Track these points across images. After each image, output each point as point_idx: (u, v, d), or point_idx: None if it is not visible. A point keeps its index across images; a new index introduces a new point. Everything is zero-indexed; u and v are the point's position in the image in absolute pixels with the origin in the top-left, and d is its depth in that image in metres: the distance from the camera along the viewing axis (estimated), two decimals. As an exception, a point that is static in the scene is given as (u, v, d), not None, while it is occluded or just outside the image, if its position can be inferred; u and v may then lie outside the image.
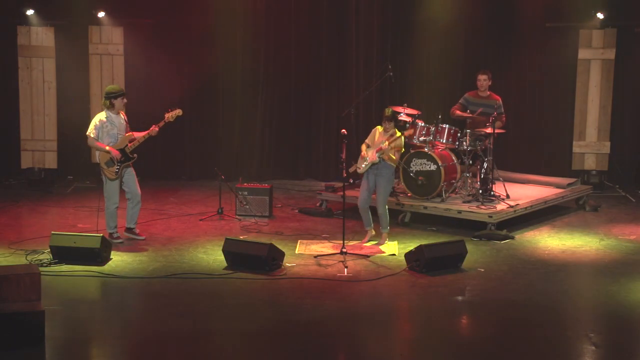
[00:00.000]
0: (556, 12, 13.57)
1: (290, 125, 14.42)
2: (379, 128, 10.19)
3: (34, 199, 12.67)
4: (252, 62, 14.19)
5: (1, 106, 13.94)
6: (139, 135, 10.14)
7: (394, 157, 10.05)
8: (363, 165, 10.07)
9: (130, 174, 10.14)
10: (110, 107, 10.01)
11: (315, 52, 14.18)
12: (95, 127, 9.99)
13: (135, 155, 10.10)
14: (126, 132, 10.10)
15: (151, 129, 10.15)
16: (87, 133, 10.05)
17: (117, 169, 9.98)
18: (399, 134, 10.09)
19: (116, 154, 9.93)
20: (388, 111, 10.10)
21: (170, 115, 10.25)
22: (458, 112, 11.72)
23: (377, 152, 9.97)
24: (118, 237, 10.13)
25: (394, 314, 8.28)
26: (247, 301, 8.31)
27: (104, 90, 10.25)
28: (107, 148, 9.92)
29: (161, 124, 10.20)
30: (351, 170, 10.29)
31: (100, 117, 10.04)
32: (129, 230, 10.25)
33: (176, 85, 14.00)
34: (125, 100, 10.11)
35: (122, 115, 10.13)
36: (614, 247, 10.29)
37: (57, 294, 8.27)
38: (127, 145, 10.03)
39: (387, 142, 9.90)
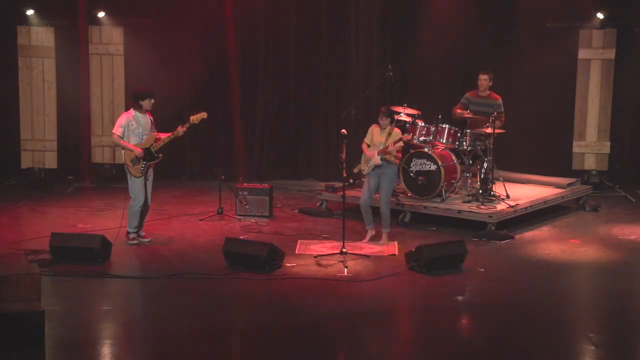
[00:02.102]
0: (556, 12, 13.56)
1: (290, 125, 14.41)
2: (376, 126, 10.22)
3: (34, 199, 12.66)
4: (252, 61, 14.19)
5: (1, 106, 13.93)
6: (164, 135, 10.13)
7: (398, 155, 10.11)
8: (367, 168, 10.11)
9: (149, 176, 10.12)
10: (139, 107, 10.01)
11: (315, 52, 14.17)
12: (121, 126, 9.97)
13: (160, 155, 10.07)
14: (152, 132, 10.10)
15: (177, 129, 10.11)
16: (113, 131, 10.03)
17: (142, 167, 9.96)
18: (395, 130, 10.10)
19: (139, 152, 9.92)
20: (384, 107, 10.16)
21: (195, 118, 10.20)
22: (459, 111, 11.72)
23: (378, 154, 9.99)
24: (133, 239, 10.10)
25: (394, 314, 8.28)
26: (247, 301, 8.31)
27: (134, 91, 10.23)
28: (130, 147, 9.92)
29: (187, 125, 10.15)
30: (355, 171, 10.33)
31: (127, 114, 10.04)
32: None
33: (176, 85, 13.99)
34: (153, 101, 10.06)
35: (149, 115, 10.13)
36: (614, 247, 10.29)
37: (57, 294, 8.27)
38: (152, 144, 10.02)
39: (391, 144, 9.91)
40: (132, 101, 10.09)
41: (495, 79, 11.89)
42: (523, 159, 13.79)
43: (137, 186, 10.00)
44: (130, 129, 9.98)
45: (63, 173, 14.01)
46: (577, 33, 13.53)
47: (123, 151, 10.07)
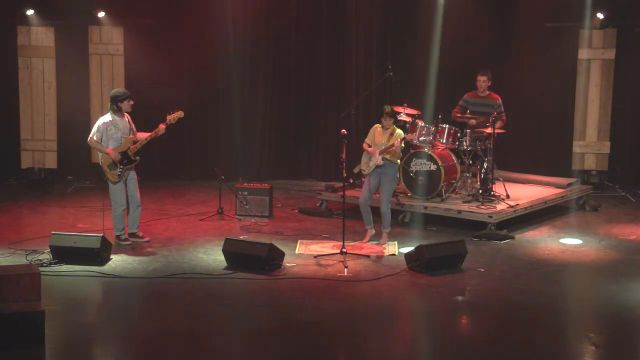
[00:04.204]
0: (556, 12, 13.57)
1: (290, 125, 14.42)
2: (378, 126, 10.23)
3: (34, 199, 12.66)
4: (252, 61, 14.19)
5: (1, 106, 13.93)
6: (142, 137, 10.10)
7: (399, 155, 10.14)
8: (368, 168, 10.10)
9: (131, 178, 10.08)
10: (118, 110, 9.95)
11: (315, 52, 14.18)
12: (98, 130, 9.92)
13: (137, 157, 10.03)
14: (130, 135, 10.05)
15: (159, 127, 10.05)
16: (90, 136, 9.96)
17: (119, 171, 9.93)
18: (398, 130, 10.11)
19: (115, 156, 9.90)
20: (388, 107, 10.15)
21: (171, 117, 10.16)
22: (459, 115, 11.74)
23: (380, 153, 9.99)
24: (126, 240, 10.09)
25: (394, 314, 8.28)
26: (247, 301, 8.31)
27: (110, 93, 10.21)
28: (107, 150, 9.89)
29: (165, 124, 10.14)
30: (355, 171, 10.33)
31: (105, 119, 9.98)
32: (132, 234, 10.23)
33: (176, 85, 14.00)
34: (132, 102, 10.03)
35: (127, 118, 10.09)
36: (614, 247, 10.29)
37: (57, 294, 8.27)
38: (129, 147, 9.98)
39: (398, 141, 9.89)
40: (111, 104, 9.99)
41: (495, 79, 11.89)
42: (523, 159, 13.81)
43: (117, 191, 9.98)
44: (108, 134, 9.91)
45: (63, 173, 14.02)
46: (577, 33, 13.53)
47: (100, 155, 10.03)
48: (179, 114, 10.22)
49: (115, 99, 9.98)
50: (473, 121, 11.55)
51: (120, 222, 10.08)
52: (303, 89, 14.30)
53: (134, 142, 10.00)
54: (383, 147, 10.00)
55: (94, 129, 9.98)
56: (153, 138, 10.10)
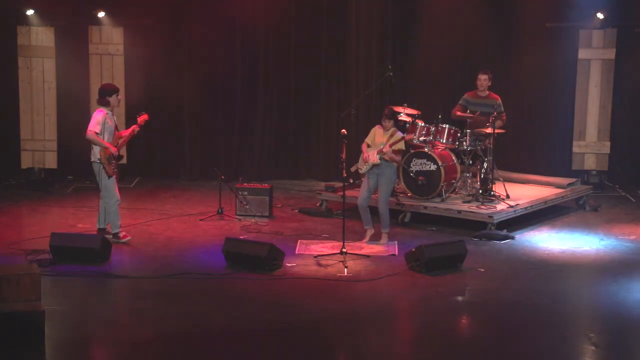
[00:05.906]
0: (556, 12, 13.56)
1: (290, 125, 14.41)
2: (379, 127, 10.23)
3: (34, 199, 12.66)
4: (252, 61, 14.19)
5: (1, 106, 13.92)
6: (124, 133, 10.17)
7: (396, 158, 10.11)
8: (365, 167, 10.10)
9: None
10: (108, 104, 9.99)
11: (315, 52, 14.16)
12: (99, 123, 9.93)
13: (122, 154, 10.10)
14: (115, 131, 10.11)
15: (132, 128, 10.17)
16: (90, 128, 9.91)
17: (113, 166, 9.98)
18: (397, 133, 10.10)
19: (114, 150, 9.93)
20: (388, 109, 10.15)
21: (141, 120, 10.26)
22: (459, 113, 11.75)
23: (377, 153, 9.99)
24: (125, 236, 10.10)
25: (394, 314, 8.28)
26: (247, 301, 8.31)
27: (103, 88, 10.22)
28: (106, 144, 9.90)
29: (135, 127, 10.20)
30: (352, 169, 10.32)
31: (103, 113, 10.01)
32: (102, 230, 10.16)
33: (176, 85, 14.01)
34: (120, 97, 10.14)
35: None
36: (614, 247, 10.29)
37: (57, 294, 8.27)
38: (117, 143, 10.03)
39: (387, 145, 9.91)
40: (107, 97, 10.00)
41: (495, 79, 11.90)
42: (523, 159, 13.80)
43: (111, 185, 9.99)
44: (105, 127, 9.95)
45: (63, 173, 14.00)
46: (577, 33, 13.52)
47: (98, 149, 9.99)
48: (145, 117, 10.31)
49: (110, 91, 10.06)
50: (472, 115, 11.54)
51: (116, 218, 10.08)
52: (303, 89, 14.29)
53: (119, 139, 10.07)
54: (380, 148, 10.00)
55: (94, 121, 9.95)
56: (132, 136, 10.19)
